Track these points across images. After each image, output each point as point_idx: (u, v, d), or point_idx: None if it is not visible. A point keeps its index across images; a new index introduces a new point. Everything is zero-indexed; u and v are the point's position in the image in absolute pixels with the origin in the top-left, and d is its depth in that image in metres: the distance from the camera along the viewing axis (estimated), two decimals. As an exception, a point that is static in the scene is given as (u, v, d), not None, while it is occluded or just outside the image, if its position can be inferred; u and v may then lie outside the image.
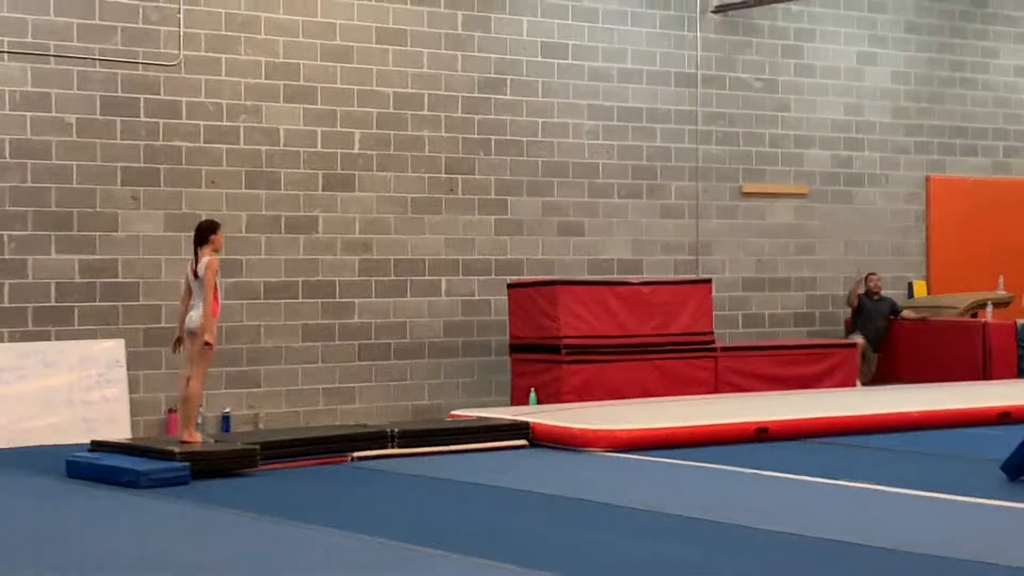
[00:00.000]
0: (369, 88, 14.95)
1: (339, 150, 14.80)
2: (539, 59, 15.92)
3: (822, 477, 10.35)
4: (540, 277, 15.54)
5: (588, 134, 16.23)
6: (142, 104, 13.88)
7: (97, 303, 13.66)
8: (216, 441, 11.52)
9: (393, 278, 15.09)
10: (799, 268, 17.64)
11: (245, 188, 14.34)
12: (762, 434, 12.48)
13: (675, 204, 16.81)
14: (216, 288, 11.23)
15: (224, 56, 14.26)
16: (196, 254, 11.28)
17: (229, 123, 14.26)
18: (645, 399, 14.38)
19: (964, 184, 18.88)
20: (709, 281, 15.80)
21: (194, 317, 11.17)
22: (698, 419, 12.67)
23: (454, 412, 13.69)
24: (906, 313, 17.60)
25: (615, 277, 15.97)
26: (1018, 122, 19.40)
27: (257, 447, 11.10)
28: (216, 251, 11.36)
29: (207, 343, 11.06)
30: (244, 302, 14.29)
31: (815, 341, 16.87)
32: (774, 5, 17.27)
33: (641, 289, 15.20)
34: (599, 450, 11.92)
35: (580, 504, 9.44)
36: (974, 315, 17.49)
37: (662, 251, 16.70)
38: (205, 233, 11.30)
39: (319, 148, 14.70)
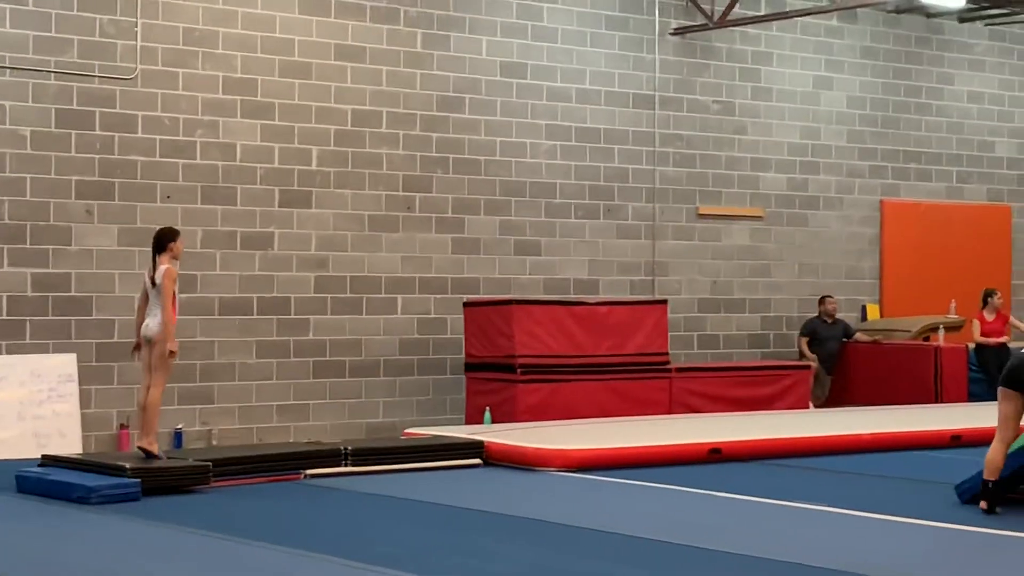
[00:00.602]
0: (327, 105, 14.93)
1: (296, 166, 14.77)
2: (498, 78, 15.95)
3: (775, 498, 10.37)
4: (496, 296, 15.54)
5: (546, 154, 16.27)
6: (98, 117, 13.80)
7: (49, 317, 13.56)
8: (168, 457, 11.44)
9: (349, 295, 15.05)
10: (754, 290, 17.72)
11: (201, 203, 14.28)
12: (715, 455, 12.50)
13: (632, 225, 16.86)
14: (174, 296, 11.14)
15: (181, 70, 14.20)
16: (154, 261, 11.16)
17: (185, 138, 14.20)
18: (600, 419, 14.38)
19: (918, 208, 19.03)
20: (665, 302, 15.84)
21: (151, 325, 11.06)
22: (652, 439, 12.69)
23: (408, 430, 13.65)
24: (859, 336, 17.70)
25: (571, 297, 15.99)
26: (971, 147, 19.58)
27: (209, 464, 11.03)
28: (175, 259, 11.25)
29: (171, 351, 10.99)
30: (198, 318, 14.21)
31: (769, 363, 16.95)
32: (732, 28, 17.37)
33: (597, 309, 15.22)
34: (553, 469, 11.91)
35: (534, 524, 9.43)
36: (926, 339, 17.62)
37: (618, 271, 16.74)
38: (164, 240, 11.17)
39: (276, 164, 14.65)
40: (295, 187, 14.75)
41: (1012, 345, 17.41)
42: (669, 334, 15.71)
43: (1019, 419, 9.76)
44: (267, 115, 14.60)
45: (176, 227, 11.85)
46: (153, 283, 11.11)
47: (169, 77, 14.13)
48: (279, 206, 14.67)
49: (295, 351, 14.73)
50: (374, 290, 15.19)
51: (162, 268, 11.07)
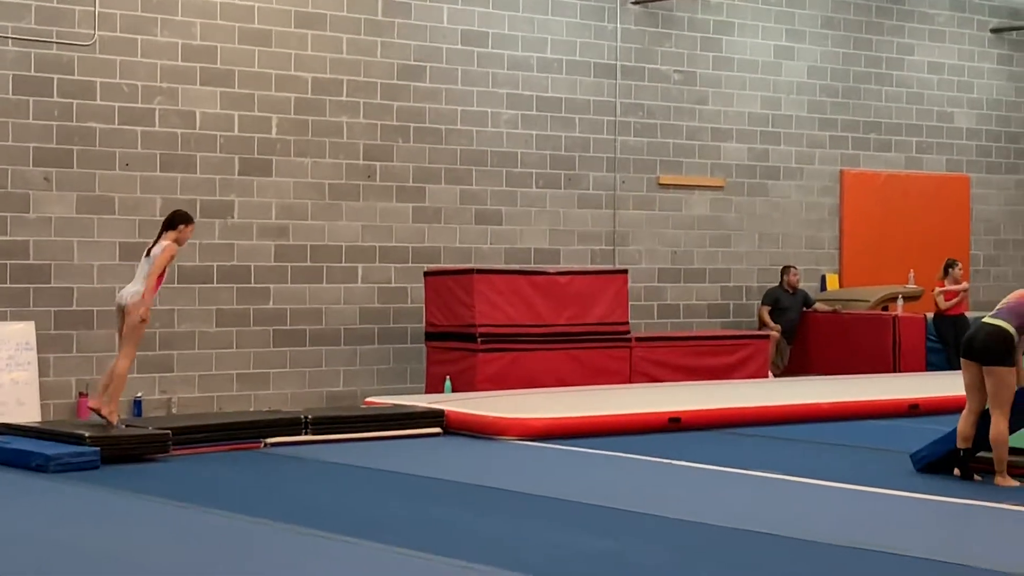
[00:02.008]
0: (287, 72, 14.85)
1: (256, 135, 14.69)
2: (459, 47, 15.89)
3: (734, 467, 10.43)
4: (457, 265, 15.52)
5: (507, 123, 16.24)
6: (55, 84, 13.68)
7: (8, 285, 13.46)
8: (127, 426, 11.40)
9: (309, 264, 15.01)
10: (714, 260, 17.77)
11: (160, 171, 14.19)
12: (675, 424, 12.56)
13: (593, 194, 16.86)
14: (163, 273, 11.20)
15: (140, 37, 14.09)
16: (158, 236, 11.25)
17: (144, 105, 14.10)
18: (560, 388, 14.41)
19: (877, 178, 19.11)
20: (625, 272, 15.86)
21: (128, 293, 11.11)
22: (612, 408, 12.73)
23: (369, 399, 13.65)
24: (818, 306, 17.79)
25: (532, 266, 15.99)
26: (931, 118, 19.66)
27: (169, 432, 11.00)
28: (178, 242, 11.31)
29: (142, 319, 10.99)
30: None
31: (729, 332, 17.02)
32: (693, -2, 17.37)
33: (558, 279, 15.23)
34: (513, 438, 11.93)
35: (494, 493, 9.45)
36: (885, 308, 17.72)
37: (579, 241, 16.75)
38: (175, 221, 11.31)
39: (236, 132, 14.57)
40: (255, 155, 14.68)
41: (970, 316, 17.57)
42: (629, 304, 15.74)
43: (983, 388, 9.83)
44: (227, 83, 14.50)
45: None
46: (148, 254, 11.18)
47: (128, 44, 14.02)
48: (239, 174, 14.59)
49: (255, 320, 14.69)
50: (334, 259, 15.15)
51: (164, 243, 11.16)
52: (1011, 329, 9.70)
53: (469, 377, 14.44)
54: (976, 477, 9.77)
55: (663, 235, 17.37)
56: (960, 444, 9.85)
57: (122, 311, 11.12)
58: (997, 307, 9.96)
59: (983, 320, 9.96)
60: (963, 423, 9.87)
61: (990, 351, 9.72)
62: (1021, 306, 9.80)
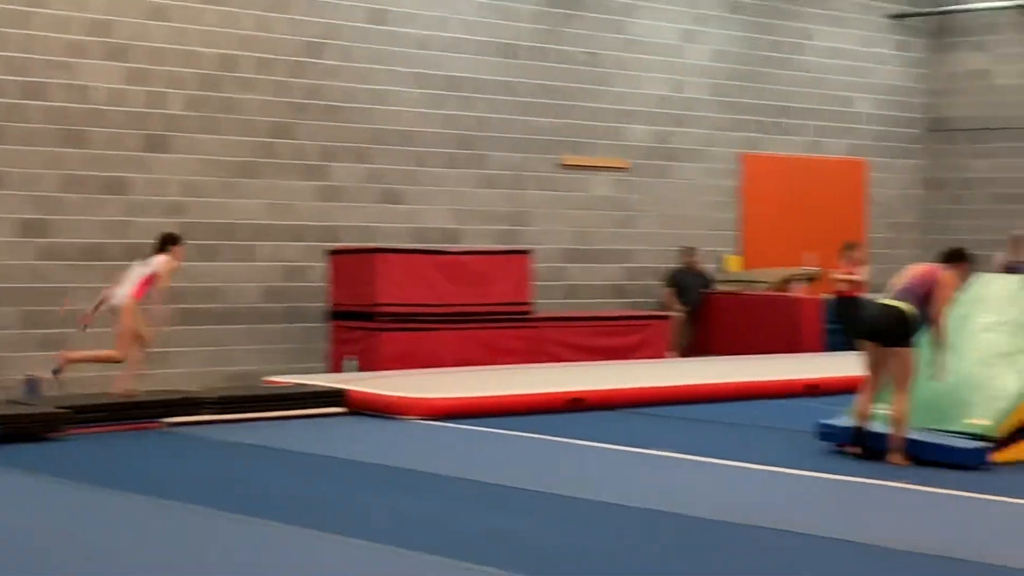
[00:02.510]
0: (188, 48, 14.66)
1: (155, 110, 14.50)
2: (362, 25, 15.80)
3: (636, 446, 10.50)
4: (360, 244, 15.45)
5: (411, 102, 16.17)
6: (-51, 56, 13.40)
7: (-102, 261, 13.18)
8: (25, 403, 11.23)
9: (211, 242, 14.85)
10: (617, 241, 17.85)
11: (58, 147, 13.95)
12: (577, 404, 12.61)
13: (496, 174, 16.86)
14: (151, 280, 12.00)
15: (36, 10, 13.83)
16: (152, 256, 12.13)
17: (41, 79, 13.85)
18: (462, 368, 14.42)
19: (778, 162, 19.30)
20: (528, 252, 15.89)
21: (115, 296, 11.98)
22: (514, 388, 12.76)
23: (270, 378, 13.55)
24: (719, 287, 17.94)
25: (435, 246, 15.95)
26: (831, 103, 19.90)
27: (68, 411, 10.85)
28: (175, 261, 12.20)
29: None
30: (56, 263, 13.92)
31: (631, 313, 17.11)
32: (598, -21, 17.40)
33: (460, 258, 15.22)
34: (415, 418, 11.92)
35: (395, 472, 9.43)
36: (784, 290, 17.91)
37: (482, 221, 16.74)
38: (166, 243, 12.14)
39: (135, 108, 14.37)
40: (155, 131, 14.48)
41: (867, 297, 17.83)
42: (532, 284, 15.77)
43: (883, 366, 9.98)
44: (126, 58, 14.29)
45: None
46: (145, 260, 12.13)
47: (24, 17, 13.76)
48: (138, 150, 14.39)
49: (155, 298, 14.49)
50: (236, 237, 15.01)
51: (162, 259, 12.03)
52: (912, 310, 9.87)
53: (372, 356, 14.40)
54: (866, 452, 9.91)
55: (566, 216, 17.42)
56: (857, 421, 10.01)
57: (114, 312, 11.94)
58: (897, 286, 10.11)
59: (883, 302, 10.11)
60: (860, 402, 10.03)
61: (893, 333, 9.87)
62: (919, 287, 9.96)
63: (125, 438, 10.86)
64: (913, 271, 10.18)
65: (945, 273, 10.04)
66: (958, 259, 10.23)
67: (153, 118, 14.46)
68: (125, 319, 11.90)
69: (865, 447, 9.94)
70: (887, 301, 10.03)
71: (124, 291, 11.99)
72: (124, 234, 14.30)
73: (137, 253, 14.32)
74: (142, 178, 14.41)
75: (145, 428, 11.32)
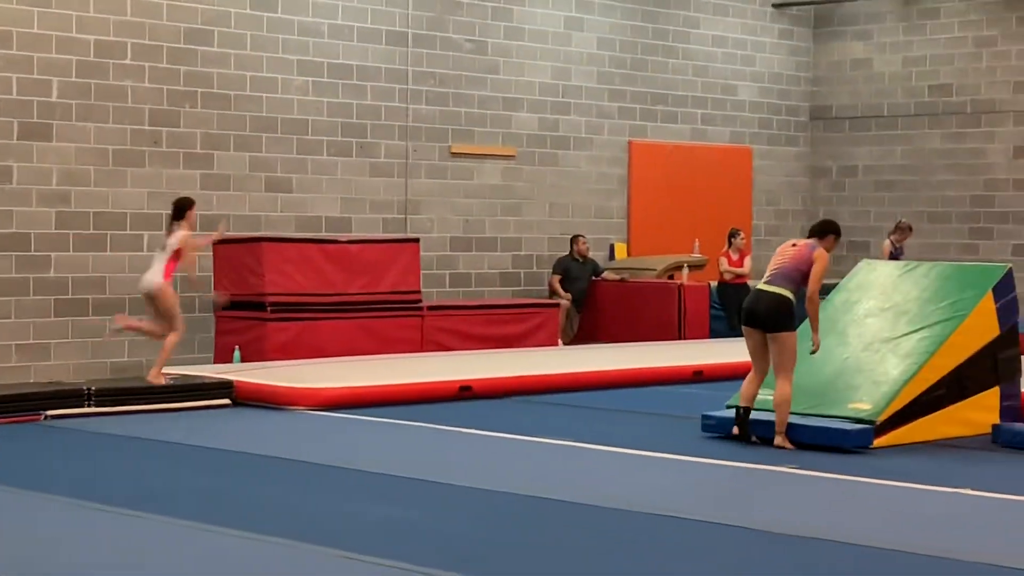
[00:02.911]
0: (69, 35, 14.38)
1: (36, 98, 14.21)
2: (248, 12, 15.62)
3: (525, 435, 10.53)
4: (246, 234, 15.29)
5: (297, 90, 16.04)
6: None
7: None
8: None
9: (93, 232, 14.60)
10: (505, 228, 17.87)
11: (-67, 135, 13.64)
12: (466, 392, 12.61)
13: (385, 163, 16.78)
14: (179, 256, 12.41)
15: (-89, -6, 13.50)
16: (171, 227, 12.43)
17: (-84, 65, 13.53)
18: (351, 357, 14.34)
19: (664, 149, 19.45)
20: (417, 240, 15.85)
21: (148, 280, 12.31)
22: (403, 377, 12.72)
23: (155, 370, 13.36)
24: (607, 274, 18.04)
25: (323, 235, 15.84)
26: (715, 91, 20.08)
27: (-56, 406, 10.62)
28: (191, 228, 12.49)
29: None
30: (-69, 254, 13.62)
31: (519, 301, 17.14)
32: (485, -33, 17.38)
33: (349, 247, 15.14)
34: (304, 408, 11.84)
35: (284, 463, 9.36)
36: (671, 277, 18.07)
37: (371, 209, 16.66)
38: (182, 209, 12.43)
39: (14, 95, 14.07)
40: (35, 119, 14.20)
41: (752, 284, 18.05)
42: (421, 272, 15.73)
43: (766, 351, 10.12)
44: (4, 44, 13.98)
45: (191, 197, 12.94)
46: (164, 246, 12.44)
47: None
48: (18, 139, 14.10)
49: (35, 289, 14.24)
50: (119, 226, 14.77)
51: (179, 234, 12.29)
52: (790, 295, 10.03)
53: (259, 347, 14.26)
54: (753, 439, 10.03)
55: (455, 204, 17.40)
56: (741, 403, 10.13)
57: (150, 297, 12.34)
58: (769, 272, 10.23)
59: (760, 288, 10.23)
60: (747, 385, 10.16)
61: (772, 319, 10.01)
62: (794, 269, 10.10)
63: (4, 431, 10.65)
64: (785, 252, 10.29)
65: (817, 250, 10.16)
66: (827, 232, 10.34)
67: (33, 106, 14.17)
68: (165, 302, 12.30)
69: (749, 429, 10.06)
70: (765, 287, 10.16)
71: (154, 278, 12.31)
72: (4, 224, 14.01)
73: (16, 244, 14.08)
74: (22, 167, 14.12)
75: (26, 421, 11.10)
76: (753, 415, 10.16)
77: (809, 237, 10.40)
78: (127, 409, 11.65)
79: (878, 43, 20.79)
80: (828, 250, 10.28)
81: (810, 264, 10.07)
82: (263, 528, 7.17)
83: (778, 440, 9.94)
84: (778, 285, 10.09)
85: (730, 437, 10.19)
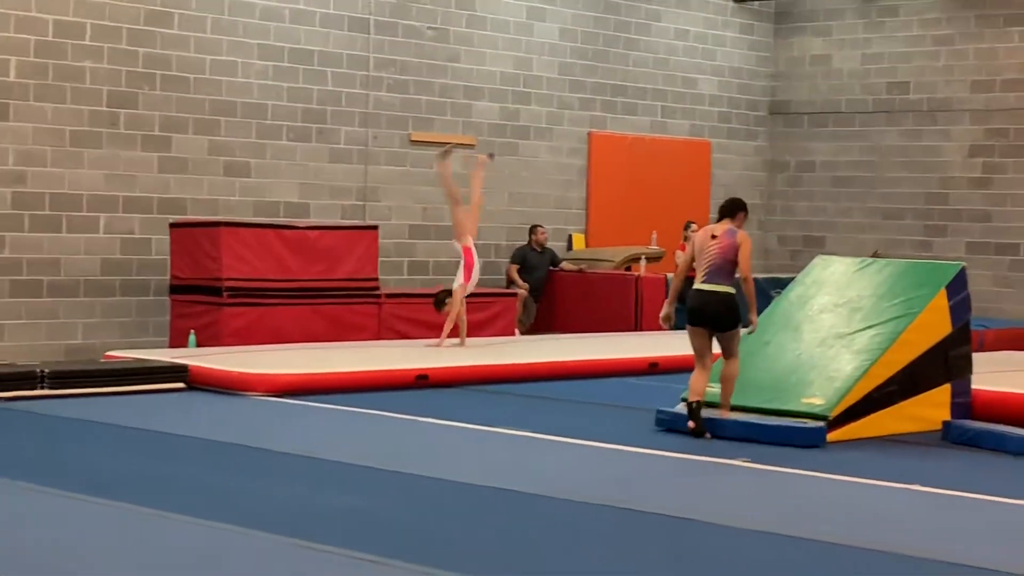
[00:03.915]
0: (27, 14, 14.27)
1: (-7, 77, 14.11)
2: (209, -6, 15.55)
3: (481, 424, 10.54)
4: (204, 217, 15.23)
5: (258, 74, 15.97)
6: None
7: None
8: None
9: (48, 213, 14.51)
10: (464, 217, 17.83)
11: None
12: (423, 381, 12.61)
13: (344, 149, 16.75)
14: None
15: None
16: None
17: None
18: (308, 344, 14.32)
19: (624, 141, 19.49)
20: (376, 227, 15.83)
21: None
22: (360, 365, 12.71)
23: (110, 353, 13.29)
24: (565, 265, 18.08)
25: (281, 220, 15.80)
26: (676, 84, 20.14)
27: None
28: None
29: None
30: None
31: (477, 290, 17.08)
32: (448, -45, 17.36)
33: (307, 233, 15.10)
34: (258, 394, 11.81)
35: (237, 449, 9.34)
36: (628, 268, 18.12)
37: (330, 195, 16.62)
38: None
39: (-29, 74, 13.97)
40: (-8, 98, 14.10)
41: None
42: (379, 260, 15.72)
43: (711, 348, 10.22)
44: (-38, 21, 13.88)
45: None
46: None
47: None
48: (-26, 118, 14.00)
49: (-10, 270, 14.15)
50: (75, 208, 14.69)
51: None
52: (732, 290, 10.15)
53: (214, 331, 14.22)
54: (707, 436, 10.08)
55: (414, 192, 17.38)
56: (692, 397, 10.18)
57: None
58: (703, 271, 10.26)
59: (700, 288, 10.25)
60: (695, 380, 10.23)
61: (723, 319, 10.11)
62: (725, 263, 10.19)
63: (-43, 414, 10.58)
64: (709, 248, 10.27)
65: (739, 234, 10.29)
66: (737, 209, 10.47)
67: (-11, 85, 14.08)
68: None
69: (703, 424, 10.12)
70: (706, 287, 10.21)
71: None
72: (-42, 203, 13.92)
73: (-28, 223, 13.97)
74: (-23, 146, 14.02)
75: (-21, 403, 11.03)
76: (708, 413, 10.22)
77: (720, 220, 10.47)
78: (81, 392, 11.58)
79: (837, 40, 20.90)
80: (740, 227, 10.40)
81: (736, 251, 10.16)
82: (215, 515, 7.15)
83: (722, 412, 10.17)
84: (718, 283, 10.18)
85: (685, 432, 10.23)
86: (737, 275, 10.23)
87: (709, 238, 10.37)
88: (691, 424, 10.13)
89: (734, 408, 10.36)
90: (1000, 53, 19.46)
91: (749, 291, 10.27)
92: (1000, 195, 19.47)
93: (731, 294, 10.18)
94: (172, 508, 7.29)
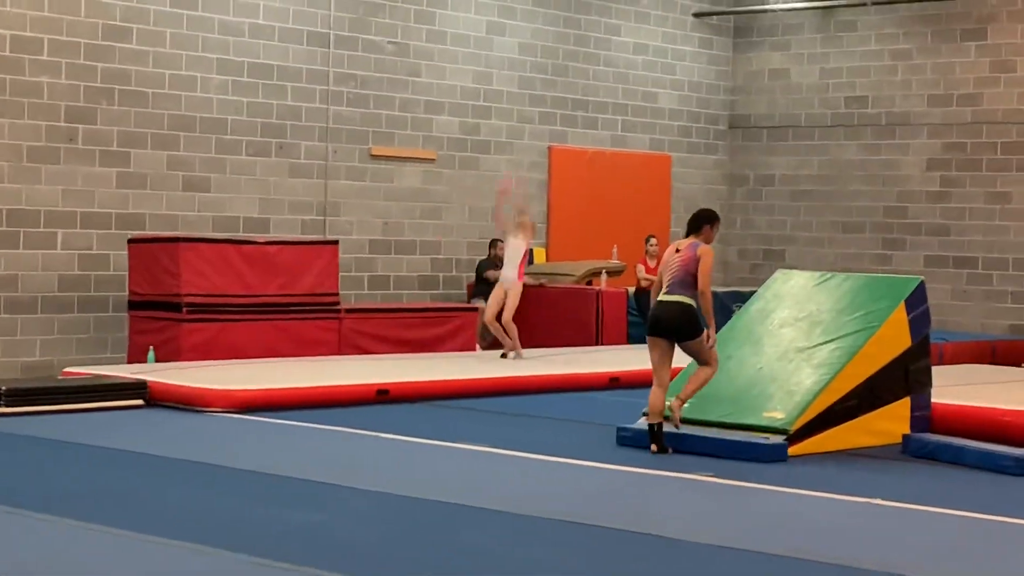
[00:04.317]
0: (-16, 28, 14.19)
1: (-51, 92, 14.01)
2: (167, 9, 15.48)
3: (441, 440, 10.51)
4: (163, 233, 15.16)
5: (217, 89, 15.92)
6: None
7: None
8: None
9: (5, 229, 14.41)
10: (425, 232, 17.86)
11: None
12: (383, 396, 12.58)
13: (304, 164, 16.71)
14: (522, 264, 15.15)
15: None
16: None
17: None
18: (268, 359, 14.26)
19: (584, 155, 19.52)
20: (336, 242, 15.79)
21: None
22: (320, 380, 12.66)
23: (68, 370, 13.20)
24: (525, 279, 18.03)
25: (241, 235, 15.74)
26: (635, 98, 20.20)
27: None
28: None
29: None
30: None
31: (438, 305, 17.13)
32: (408, -31, 17.36)
33: (267, 248, 15.04)
34: (218, 410, 11.74)
35: (196, 466, 9.28)
36: (589, 283, 18.13)
37: (290, 210, 16.57)
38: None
39: (-73, 88, 13.86)
40: (-53, 113, 14.00)
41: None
42: (340, 275, 15.68)
43: (669, 362, 10.22)
44: (-83, 36, 13.77)
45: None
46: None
47: None
48: (-70, 133, 13.89)
49: (-54, 286, 14.03)
50: (32, 224, 14.59)
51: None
52: (691, 300, 10.14)
53: (174, 347, 14.14)
54: (669, 450, 10.09)
55: (374, 206, 17.36)
56: (653, 419, 10.15)
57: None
58: (666, 283, 10.27)
59: (661, 299, 10.26)
60: (653, 398, 10.19)
61: (679, 327, 10.12)
62: (686, 276, 10.17)
63: (-87, 432, 10.47)
64: (672, 263, 10.29)
65: (700, 247, 10.26)
66: (702, 224, 10.43)
67: (-55, 100, 13.97)
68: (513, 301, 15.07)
69: (664, 442, 10.11)
70: (666, 297, 10.23)
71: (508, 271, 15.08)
72: (-87, 219, 13.80)
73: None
74: (-67, 162, 13.91)
75: (-66, 422, 10.93)
76: (684, 431, 10.21)
77: (687, 236, 10.46)
78: (39, 409, 11.49)
79: (796, 54, 21.02)
80: (710, 240, 10.40)
81: (697, 263, 10.17)
82: (173, 532, 7.10)
83: (674, 403, 10.10)
84: (677, 294, 10.19)
85: (646, 447, 10.22)
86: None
87: (673, 252, 10.40)
88: (653, 448, 10.10)
89: (696, 423, 10.35)
90: (957, 67, 19.62)
91: (706, 305, 10.25)
92: (958, 209, 19.60)
93: (690, 304, 10.18)
94: (128, 526, 7.23)
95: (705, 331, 10.26)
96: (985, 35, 19.43)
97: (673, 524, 7.74)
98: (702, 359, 10.28)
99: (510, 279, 15.31)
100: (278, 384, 12.32)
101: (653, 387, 10.23)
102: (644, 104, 20.29)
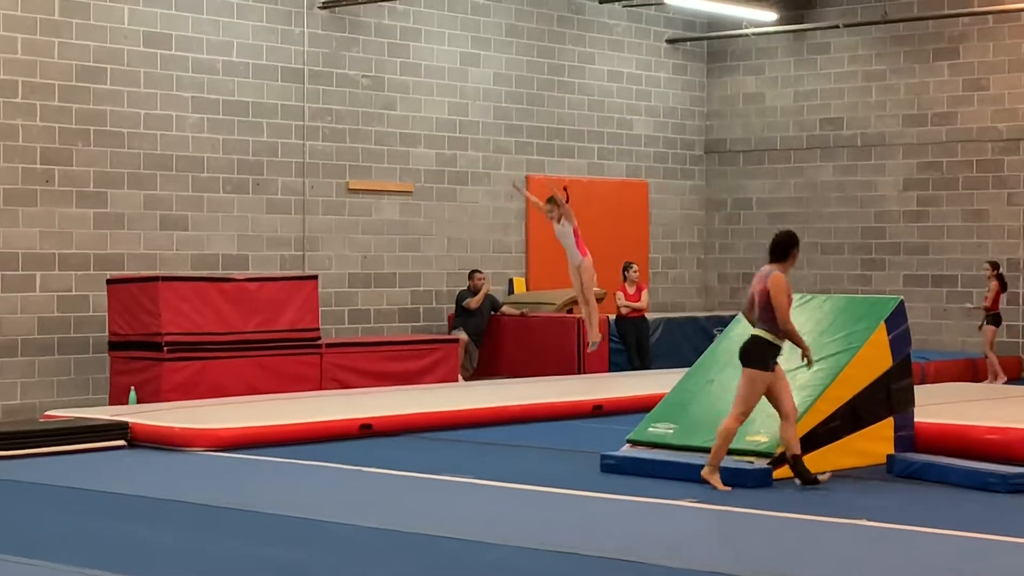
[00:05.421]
0: (-43, 72, 14.18)
1: (-77, 137, 13.97)
2: (141, 49, 15.48)
3: (426, 472, 10.48)
4: (141, 272, 15.12)
5: (192, 127, 15.91)
6: None
7: None
8: None
9: (-17, 272, 14.36)
10: (404, 264, 17.85)
11: None
12: (366, 430, 12.54)
13: (282, 199, 16.70)
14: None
15: None
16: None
17: None
18: (250, 396, 14.21)
19: (561, 184, 19.50)
20: (315, 277, 15.76)
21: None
22: (303, 416, 12.62)
23: (49, 412, 13.14)
24: (506, 309, 18.07)
25: (219, 273, 15.71)
26: (611, 125, 20.25)
27: None
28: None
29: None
30: None
31: (419, 337, 17.11)
32: (381, 3, 17.39)
33: (246, 285, 15.01)
34: (201, 449, 11.69)
35: (180, 506, 9.23)
36: (570, 311, 18.13)
37: (268, 247, 16.56)
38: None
39: (-99, 134, 13.83)
40: (-78, 158, 13.96)
41: (651, 317, 18.17)
42: (320, 309, 15.65)
43: (778, 393, 9.81)
44: None
45: None
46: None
47: None
48: (-96, 178, 13.84)
49: (-76, 332, 13.96)
50: (10, 267, 14.54)
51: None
52: (763, 334, 9.79)
53: (155, 387, 14.08)
54: (818, 479, 9.75)
55: (353, 240, 17.35)
56: (790, 452, 9.82)
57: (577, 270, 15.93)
58: (752, 313, 9.95)
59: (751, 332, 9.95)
60: (781, 432, 9.85)
61: (744, 354, 9.78)
62: (763, 311, 9.81)
63: None
64: (752, 290, 9.93)
65: (771, 278, 9.79)
66: (782, 253, 9.89)
67: (-80, 145, 13.94)
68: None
69: (807, 476, 9.73)
70: (751, 329, 9.94)
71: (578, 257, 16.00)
72: None
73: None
74: (-91, 207, 13.86)
75: (-85, 468, 10.85)
76: (669, 457, 10.12)
77: (771, 262, 9.93)
78: (19, 453, 11.41)
79: (770, 78, 21.10)
80: (787, 269, 9.86)
81: (767, 296, 9.77)
82: (157, 573, 7.06)
83: (705, 471, 9.81)
84: (756, 327, 9.83)
85: (634, 475, 10.17)
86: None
87: (756, 280, 9.92)
88: (798, 482, 9.74)
89: (680, 448, 10.32)
90: (930, 87, 19.72)
91: (792, 339, 9.79)
92: (936, 227, 19.68)
93: (757, 335, 9.77)
94: (110, 568, 7.18)
95: (769, 363, 9.79)
96: (957, 54, 19.53)
97: (659, 551, 7.72)
98: (740, 394, 9.78)
99: (576, 259, 16.05)
100: (260, 421, 12.27)
101: (780, 422, 9.88)
102: (620, 131, 20.34)
